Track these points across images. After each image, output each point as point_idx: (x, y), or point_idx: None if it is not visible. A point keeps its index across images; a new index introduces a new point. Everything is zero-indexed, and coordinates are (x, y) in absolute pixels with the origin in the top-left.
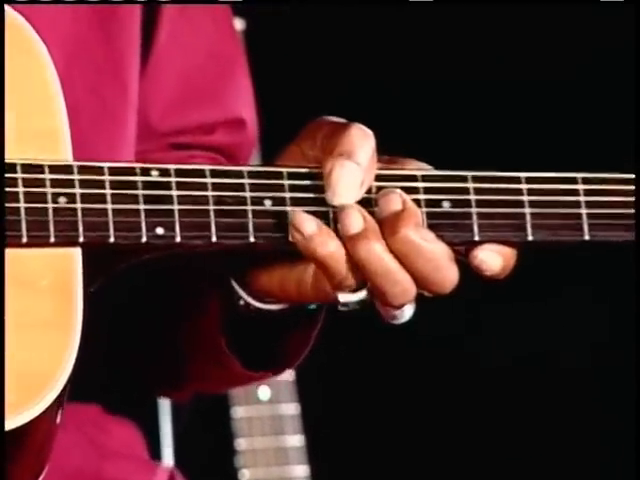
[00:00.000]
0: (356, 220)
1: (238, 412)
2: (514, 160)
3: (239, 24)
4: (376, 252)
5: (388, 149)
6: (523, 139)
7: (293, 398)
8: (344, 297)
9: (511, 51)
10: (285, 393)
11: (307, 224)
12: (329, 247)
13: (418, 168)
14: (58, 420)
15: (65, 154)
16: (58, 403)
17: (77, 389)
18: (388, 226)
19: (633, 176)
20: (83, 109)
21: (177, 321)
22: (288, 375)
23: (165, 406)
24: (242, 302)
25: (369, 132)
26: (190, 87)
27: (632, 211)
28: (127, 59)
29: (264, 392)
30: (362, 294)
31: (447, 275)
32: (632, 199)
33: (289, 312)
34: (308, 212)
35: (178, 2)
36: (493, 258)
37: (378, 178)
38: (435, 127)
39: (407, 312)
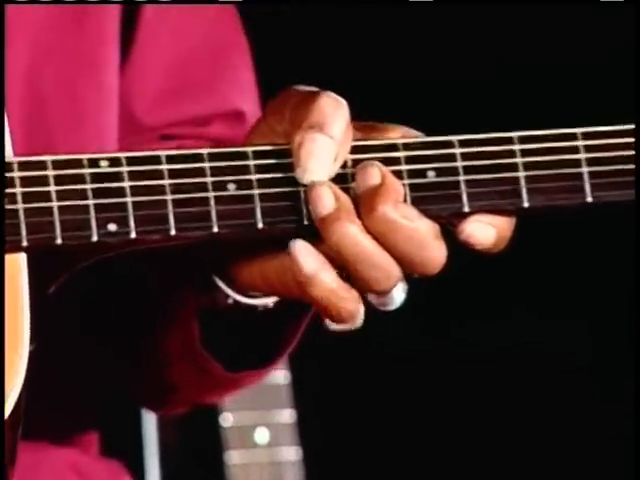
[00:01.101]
0: (327, 199)
1: (233, 457)
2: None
3: None
4: (350, 234)
5: None
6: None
7: (294, 441)
8: (336, 326)
9: (511, 51)
10: (285, 436)
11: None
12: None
13: (402, 135)
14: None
15: (4, 150)
16: (12, 423)
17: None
18: (365, 203)
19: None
20: (50, 103)
21: (149, 326)
22: (288, 417)
23: (153, 451)
24: (230, 300)
25: (342, 101)
26: (183, 76)
27: (634, 166)
28: (104, 52)
29: (262, 435)
30: (359, 319)
31: (433, 254)
32: (633, 153)
33: (281, 304)
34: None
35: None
36: (483, 230)
37: (354, 150)
38: (434, 127)
39: (397, 296)
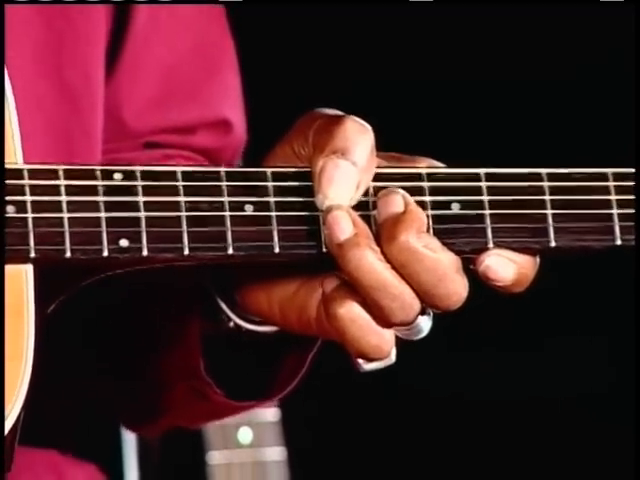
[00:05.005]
0: (345, 224)
1: (215, 457)
2: (513, 160)
3: None
4: (368, 261)
5: (387, 150)
6: (522, 139)
7: (278, 441)
8: (368, 365)
9: (511, 51)
10: (269, 436)
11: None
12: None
13: (428, 166)
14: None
15: (14, 156)
16: (11, 439)
17: (35, 429)
18: (386, 231)
19: None
20: (46, 101)
21: (151, 345)
22: (272, 415)
23: (131, 453)
24: (232, 324)
25: (367, 126)
26: (171, 83)
27: None
28: (91, 49)
29: (245, 435)
30: (392, 358)
31: (454, 288)
32: None
33: (285, 334)
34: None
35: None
36: (503, 265)
37: (377, 178)
38: (434, 128)
39: (424, 326)
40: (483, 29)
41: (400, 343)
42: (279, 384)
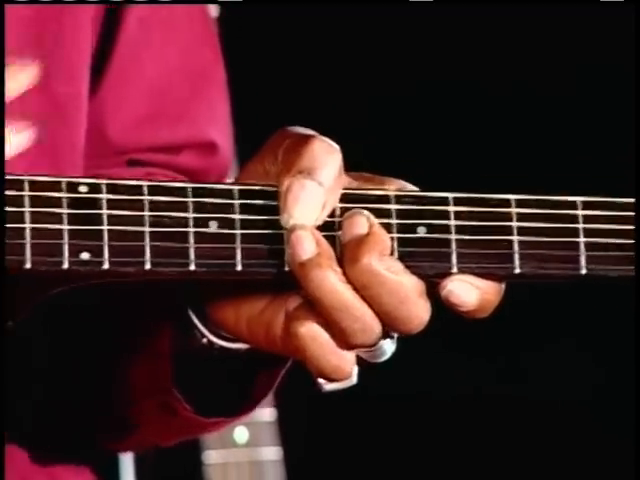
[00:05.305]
0: (308, 244)
1: (211, 457)
2: (512, 162)
3: (213, 10)
4: (330, 282)
5: (372, 159)
6: (522, 139)
7: (274, 441)
8: (329, 385)
9: (511, 51)
10: (265, 435)
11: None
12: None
13: (398, 189)
14: None
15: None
16: None
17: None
18: (349, 253)
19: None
20: (31, 111)
21: (117, 359)
22: (268, 415)
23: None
24: (204, 340)
25: (335, 146)
26: (159, 102)
27: (633, 242)
28: (77, 59)
29: (241, 434)
30: (353, 379)
31: (416, 312)
32: (633, 227)
33: (256, 352)
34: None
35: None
36: (465, 290)
37: (344, 198)
38: (433, 128)
39: (386, 348)
40: (483, 29)
41: (399, 343)
42: (250, 401)
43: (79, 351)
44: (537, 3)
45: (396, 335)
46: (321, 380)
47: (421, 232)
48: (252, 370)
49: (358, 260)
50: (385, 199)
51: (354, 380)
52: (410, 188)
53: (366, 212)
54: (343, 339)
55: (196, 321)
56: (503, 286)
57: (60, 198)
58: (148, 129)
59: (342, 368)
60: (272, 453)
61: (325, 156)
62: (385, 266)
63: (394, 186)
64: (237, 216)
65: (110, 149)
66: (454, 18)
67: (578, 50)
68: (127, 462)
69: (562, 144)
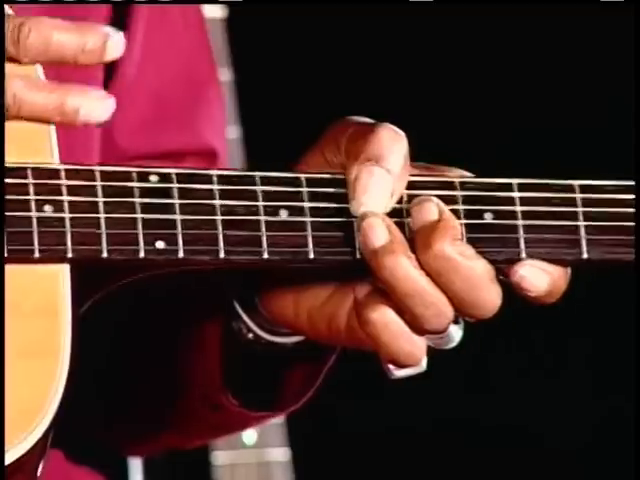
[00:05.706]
0: (380, 231)
1: (219, 458)
2: (515, 159)
3: (221, 12)
4: (403, 268)
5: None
6: (522, 139)
7: (282, 442)
8: (399, 371)
9: (511, 51)
10: (273, 437)
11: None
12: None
13: (460, 176)
14: (43, 460)
15: (50, 156)
16: (44, 440)
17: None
18: (421, 239)
19: None
20: None
21: (169, 352)
22: (276, 417)
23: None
24: (250, 335)
25: (401, 134)
26: (162, 109)
27: None
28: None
29: (249, 435)
30: (423, 365)
31: (487, 297)
32: None
33: (304, 345)
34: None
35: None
36: (537, 275)
37: (411, 186)
38: (433, 129)
39: (455, 335)
40: (483, 29)
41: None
42: (290, 396)
43: (131, 344)
44: (537, 3)
45: (462, 321)
46: (391, 366)
47: (488, 218)
48: (293, 366)
49: (431, 246)
50: (450, 186)
51: (424, 366)
52: (470, 176)
53: (435, 199)
54: (416, 325)
55: (244, 316)
56: (569, 271)
57: (132, 188)
58: (153, 135)
59: (414, 354)
60: (280, 454)
61: (392, 143)
62: (458, 251)
63: (455, 174)
64: (306, 204)
65: (117, 153)
66: (454, 18)
67: (578, 50)
68: (136, 463)
69: (562, 144)
